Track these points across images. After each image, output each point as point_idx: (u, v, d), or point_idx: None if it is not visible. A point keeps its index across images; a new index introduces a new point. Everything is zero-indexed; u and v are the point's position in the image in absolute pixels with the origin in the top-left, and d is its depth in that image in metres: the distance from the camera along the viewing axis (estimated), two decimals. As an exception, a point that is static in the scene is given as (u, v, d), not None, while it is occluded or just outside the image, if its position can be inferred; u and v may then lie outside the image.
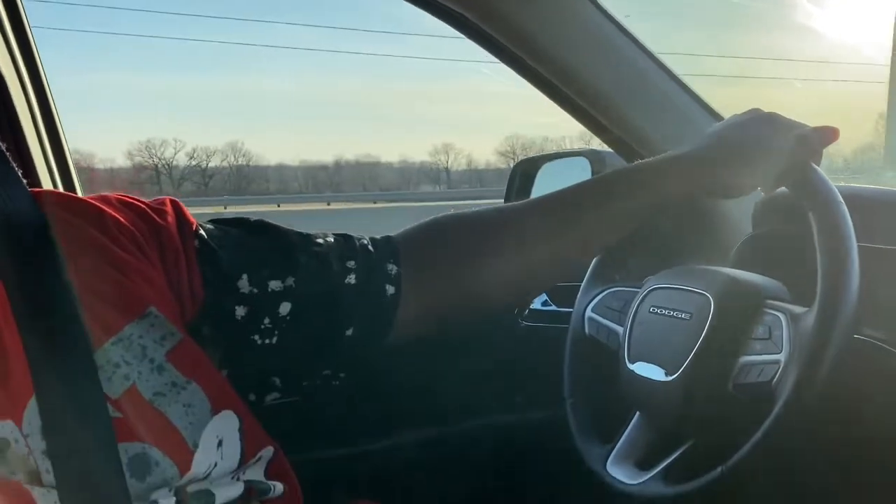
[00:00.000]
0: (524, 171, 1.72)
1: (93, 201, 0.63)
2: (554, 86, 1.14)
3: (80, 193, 0.99)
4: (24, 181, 0.60)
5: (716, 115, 1.16)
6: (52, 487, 0.50)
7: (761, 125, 0.80)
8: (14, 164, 0.60)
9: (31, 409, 0.51)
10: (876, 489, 0.86)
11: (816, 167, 0.78)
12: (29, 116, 0.93)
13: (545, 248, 0.78)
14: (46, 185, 0.97)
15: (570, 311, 1.05)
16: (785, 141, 0.78)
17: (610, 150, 1.28)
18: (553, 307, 1.39)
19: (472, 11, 1.01)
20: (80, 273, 0.57)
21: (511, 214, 0.80)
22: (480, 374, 1.32)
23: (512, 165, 1.75)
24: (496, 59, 1.13)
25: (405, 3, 1.02)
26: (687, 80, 1.17)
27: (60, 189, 1.02)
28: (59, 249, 0.57)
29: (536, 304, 1.40)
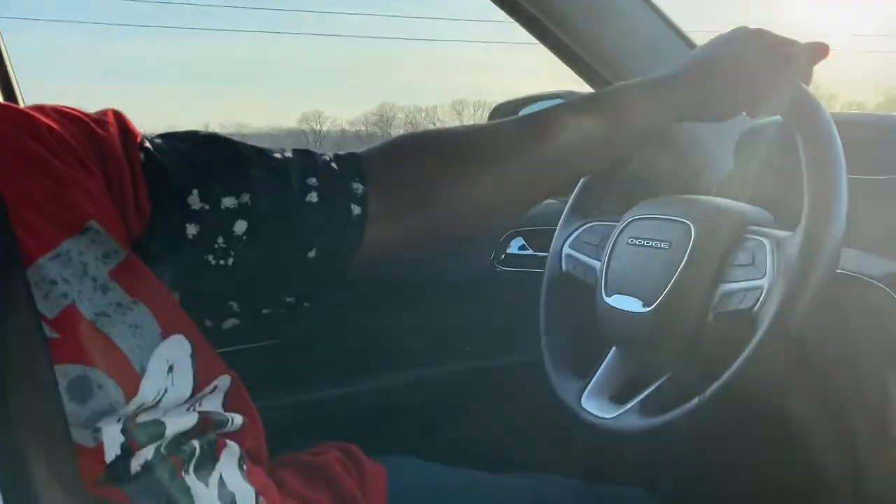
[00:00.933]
0: (504, 115, 1.68)
1: (29, 111, 0.58)
2: (534, 18, 1.11)
3: (21, 104, 0.94)
4: None
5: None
6: None
7: (746, 42, 0.76)
8: None
9: None
10: (853, 425, 0.84)
11: (805, 87, 0.74)
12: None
13: (518, 168, 0.74)
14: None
15: (547, 256, 1.02)
16: (771, 59, 0.74)
17: (591, 91, 1.25)
18: (530, 251, 1.37)
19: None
20: (11, 184, 0.53)
21: (486, 134, 0.76)
22: (457, 318, 1.30)
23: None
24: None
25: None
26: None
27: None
28: None
29: (513, 247, 1.37)
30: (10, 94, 0.96)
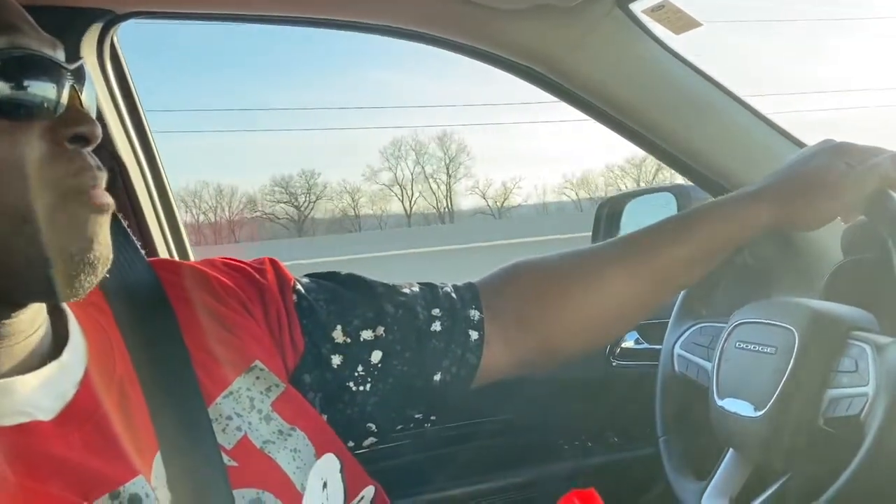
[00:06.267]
0: (610, 212, 1.74)
1: (200, 266, 0.70)
2: (632, 129, 1.17)
3: (191, 259, 1.08)
4: (143, 252, 0.68)
5: (797, 142, 1.15)
6: None
7: (833, 156, 0.80)
8: (134, 238, 0.68)
9: (158, 463, 0.55)
10: None
11: (891, 192, 0.77)
12: (146, 194, 1.03)
13: (625, 289, 0.80)
14: (163, 255, 1.07)
15: (661, 349, 1.05)
16: (858, 171, 0.78)
17: (694, 185, 1.29)
18: (645, 345, 1.39)
19: (539, 65, 1.05)
20: (191, 332, 0.63)
21: (589, 257, 0.83)
22: (574, 413, 1.33)
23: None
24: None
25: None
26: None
27: (175, 258, 1.11)
28: (173, 312, 0.63)
29: (628, 341, 1.40)
30: (178, 239, 1.11)
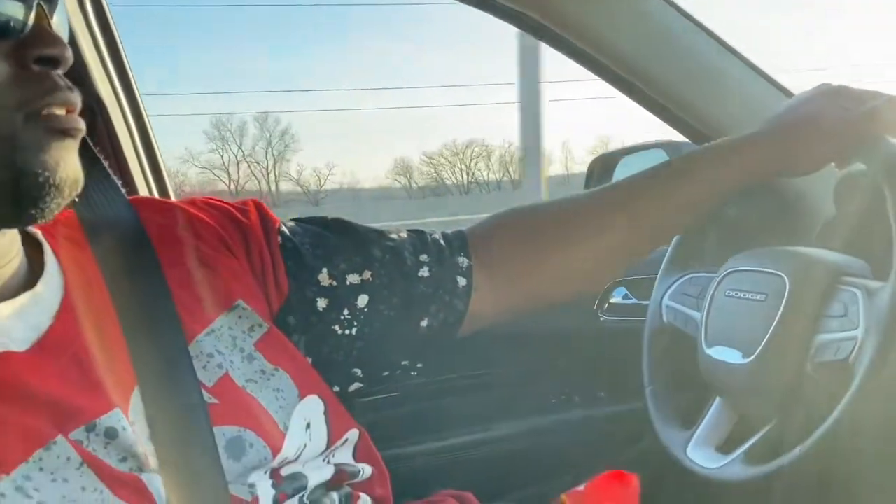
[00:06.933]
0: (602, 167, 1.73)
1: (182, 204, 0.69)
2: (626, 80, 1.15)
3: (172, 199, 1.07)
4: (123, 190, 0.66)
5: (789, 94, 1.14)
6: (156, 472, 0.53)
7: (828, 99, 0.79)
8: (114, 177, 0.66)
9: (136, 398, 0.54)
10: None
11: (891, 139, 0.75)
12: (127, 134, 1.01)
13: (618, 235, 0.79)
14: (143, 193, 1.05)
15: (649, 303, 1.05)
16: (854, 114, 0.77)
17: (687, 140, 1.28)
18: (633, 300, 1.39)
19: (537, 12, 1.03)
20: (174, 271, 0.62)
21: (580, 205, 0.82)
22: (561, 369, 1.34)
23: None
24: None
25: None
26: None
27: (156, 195, 1.10)
28: (153, 249, 0.62)
29: (616, 297, 1.40)
30: (161, 181, 1.09)
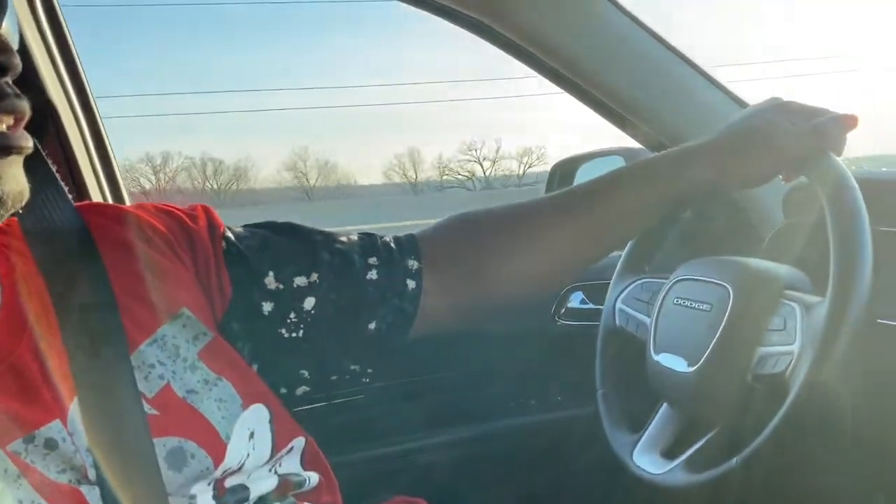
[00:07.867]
0: (563, 172, 1.75)
1: (132, 209, 0.68)
2: (581, 88, 1.16)
3: (127, 203, 1.06)
4: (70, 196, 0.65)
5: (742, 104, 1.16)
6: (95, 484, 0.53)
7: (776, 113, 0.80)
8: (62, 183, 0.65)
9: (75, 409, 0.54)
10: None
11: (832, 154, 0.77)
12: (80, 137, 1.00)
13: (562, 241, 0.79)
14: (96, 198, 1.04)
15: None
16: (800, 129, 0.78)
17: (642, 147, 1.29)
18: (590, 305, 1.41)
19: (486, 15, 1.03)
20: (119, 276, 0.61)
21: (528, 210, 0.82)
22: (517, 373, 1.34)
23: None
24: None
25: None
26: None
27: (109, 200, 1.08)
28: (99, 256, 0.61)
29: (574, 301, 1.41)
30: (114, 183, 1.07)
